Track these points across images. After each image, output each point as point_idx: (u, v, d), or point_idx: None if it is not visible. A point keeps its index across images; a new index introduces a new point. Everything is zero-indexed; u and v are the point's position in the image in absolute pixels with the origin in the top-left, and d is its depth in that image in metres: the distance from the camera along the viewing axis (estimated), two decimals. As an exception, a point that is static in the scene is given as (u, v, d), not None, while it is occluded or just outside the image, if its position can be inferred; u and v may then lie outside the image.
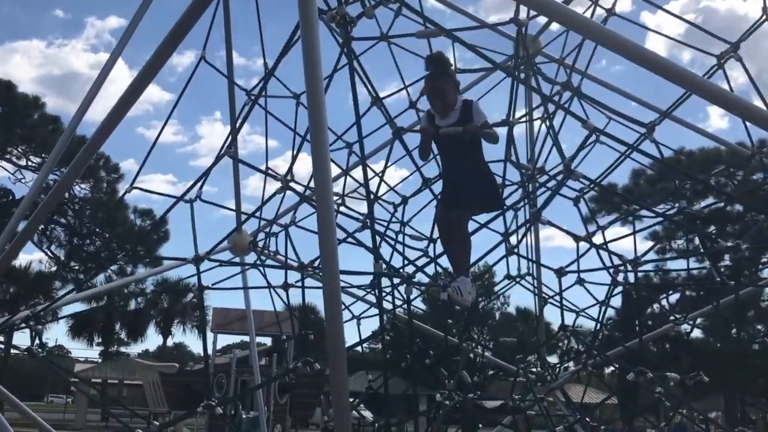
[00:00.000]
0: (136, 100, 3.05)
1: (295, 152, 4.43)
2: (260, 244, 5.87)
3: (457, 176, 4.79)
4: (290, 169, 4.61)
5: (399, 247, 5.47)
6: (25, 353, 4.08)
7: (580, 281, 5.19)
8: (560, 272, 5.12)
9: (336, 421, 3.11)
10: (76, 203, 36.99)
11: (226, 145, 4.18)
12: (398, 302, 5.03)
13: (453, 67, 5.12)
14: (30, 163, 34.57)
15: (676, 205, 4.44)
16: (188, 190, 4.38)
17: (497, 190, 4.95)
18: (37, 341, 4.44)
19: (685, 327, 5.26)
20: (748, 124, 4.72)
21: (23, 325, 4.07)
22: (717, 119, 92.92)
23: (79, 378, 28.26)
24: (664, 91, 5.42)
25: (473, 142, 4.77)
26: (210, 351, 23.41)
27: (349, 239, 4.48)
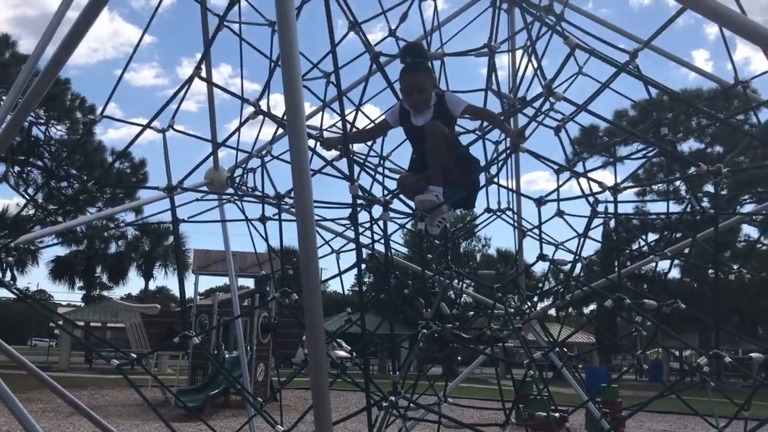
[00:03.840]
0: (96, 17, 2.89)
1: (267, 78, 4.29)
2: (238, 180, 5.77)
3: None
4: (262, 94, 4.47)
5: (378, 179, 5.42)
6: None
7: (560, 213, 5.16)
8: (540, 201, 5.09)
9: (310, 354, 3.06)
10: (53, 145, 36.40)
11: (195, 66, 4.02)
12: (377, 237, 5.00)
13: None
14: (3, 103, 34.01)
15: (655, 149, 4.37)
16: (156, 116, 4.23)
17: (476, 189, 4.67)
18: (9, 274, 4.34)
19: (663, 267, 5.27)
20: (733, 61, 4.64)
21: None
22: (701, 63, 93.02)
23: (63, 319, 28.22)
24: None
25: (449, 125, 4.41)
26: (192, 293, 23.47)
27: (326, 169, 4.38)
